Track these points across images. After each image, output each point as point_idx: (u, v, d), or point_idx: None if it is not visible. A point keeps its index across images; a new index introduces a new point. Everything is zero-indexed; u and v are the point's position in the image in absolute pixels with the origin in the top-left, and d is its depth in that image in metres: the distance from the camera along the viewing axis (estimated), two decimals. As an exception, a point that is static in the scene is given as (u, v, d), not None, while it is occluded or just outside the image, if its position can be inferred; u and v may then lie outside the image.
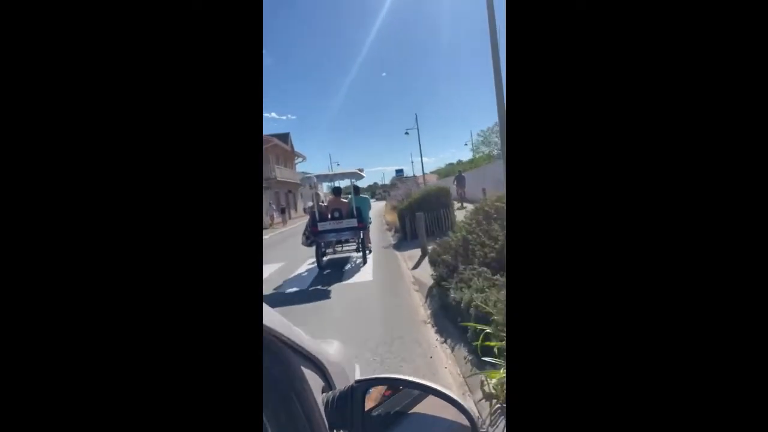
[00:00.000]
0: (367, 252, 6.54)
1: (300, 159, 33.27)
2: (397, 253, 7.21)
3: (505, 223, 3.67)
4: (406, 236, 8.44)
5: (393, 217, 11.93)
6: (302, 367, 0.55)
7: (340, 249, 6.92)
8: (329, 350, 0.69)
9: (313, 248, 6.36)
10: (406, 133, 30.73)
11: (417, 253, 6.64)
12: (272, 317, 0.50)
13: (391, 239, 9.47)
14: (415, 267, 5.68)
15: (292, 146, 30.52)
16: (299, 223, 21.59)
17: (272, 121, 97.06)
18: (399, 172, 33.32)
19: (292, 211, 28.81)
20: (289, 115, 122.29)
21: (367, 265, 5.96)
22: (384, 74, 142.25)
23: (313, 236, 6.09)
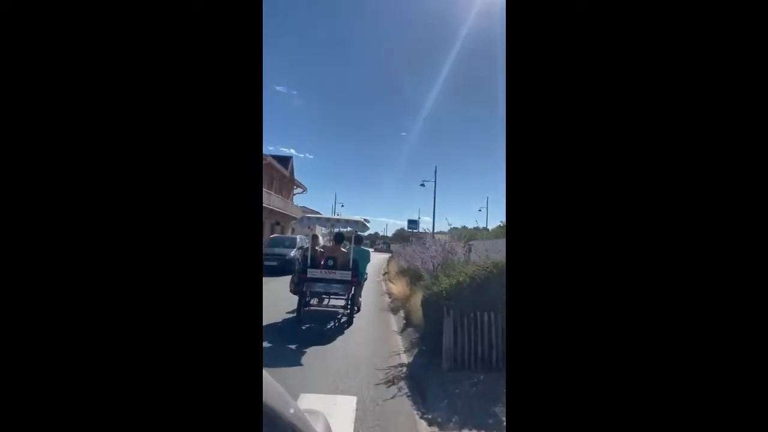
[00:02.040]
0: (355, 311, 5.67)
1: (299, 190, 29.22)
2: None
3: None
4: (439, 357, 3.70)
5: (401, 289, 7.27)
6: None
7: (326, 303, 6.19)
8: (317, 428, 0.68)
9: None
10: (422, 185, 26.76)
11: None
12: (271, 388, 0.47)
13: (400, 345, 4.60)
14: None
15: (292, 173, 26.51)
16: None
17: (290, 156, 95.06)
18: (413, 223, 26.91)
19: (276, 247, 24.01)
20: (307, 154, 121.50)
21: None
22: (403, 134, 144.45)
23: (300, 283, 5.43)
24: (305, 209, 46.81)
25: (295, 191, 28.93)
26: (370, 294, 8.94)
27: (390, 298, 8.35)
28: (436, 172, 26.53)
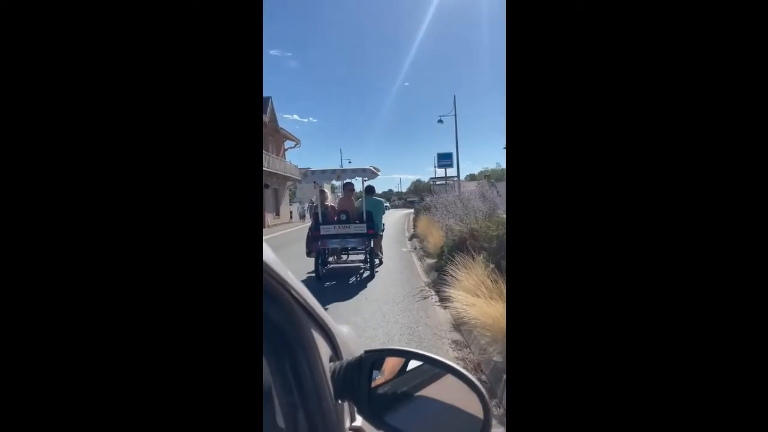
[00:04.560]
0: (376, 264, 5.52)
1: (292, 143, 23.90)
2: None
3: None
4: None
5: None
6: (312, 330, 0.53)
7: (345, 259, 6.01)
8: (340, 328, 0.66)
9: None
10: (440, 121, 20.95)
11: None
12: (286, 274, 0.48)
13: None
14: None
15: (274, 120, 20.90)
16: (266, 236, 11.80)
17: (294, 123, 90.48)
18: (445, 158, 16.57)
19: (269, 216, 19.19)
20: (311, 118, 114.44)
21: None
22: (407, 84, 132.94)
23: (313, 242, 5.19)
24: (311, 170, 41.81)
25: (286, 146, 23.58)
26: (397, 302, 3.95)
27: (452, 315, 3.30)
28: (455, 102, 20.44)
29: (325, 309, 0.59)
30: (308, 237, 5.39)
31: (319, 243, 5.07)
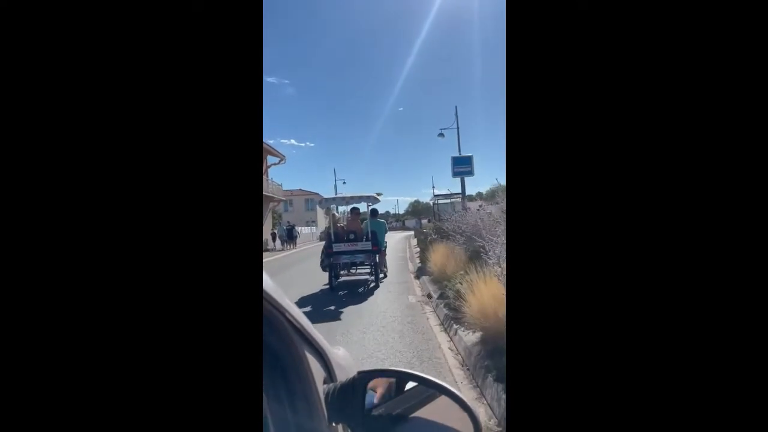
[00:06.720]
0: (381, 276, 6.44)
1: (276, 159, 21.21)
2: None
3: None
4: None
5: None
6: (306, 353, 0.54)
7: (354, 271, 6.88)
8: (335, 351, 0.68)
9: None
10: (441, 135, 18.43)
11: None
12: (282, 298, 0.49)
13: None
14: None
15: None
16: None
17: (292, 147, 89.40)
18: (462, 163, 12.03)
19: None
20: (308, 143, 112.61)
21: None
22: (401, 108, 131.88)
23: (327, 258, 6.11)
24: (302, 191, 39.15)
25: (269, 162, 20.87)
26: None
27: None
28: (456, 113, 17.75)
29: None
30: (322, 253, 6.30)
31: (332, 259, 6.02)
